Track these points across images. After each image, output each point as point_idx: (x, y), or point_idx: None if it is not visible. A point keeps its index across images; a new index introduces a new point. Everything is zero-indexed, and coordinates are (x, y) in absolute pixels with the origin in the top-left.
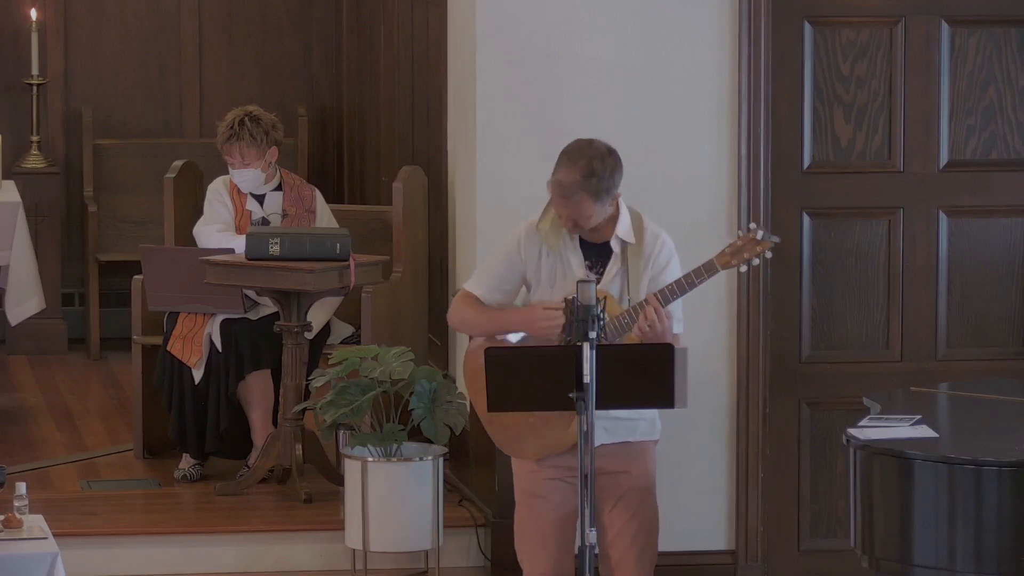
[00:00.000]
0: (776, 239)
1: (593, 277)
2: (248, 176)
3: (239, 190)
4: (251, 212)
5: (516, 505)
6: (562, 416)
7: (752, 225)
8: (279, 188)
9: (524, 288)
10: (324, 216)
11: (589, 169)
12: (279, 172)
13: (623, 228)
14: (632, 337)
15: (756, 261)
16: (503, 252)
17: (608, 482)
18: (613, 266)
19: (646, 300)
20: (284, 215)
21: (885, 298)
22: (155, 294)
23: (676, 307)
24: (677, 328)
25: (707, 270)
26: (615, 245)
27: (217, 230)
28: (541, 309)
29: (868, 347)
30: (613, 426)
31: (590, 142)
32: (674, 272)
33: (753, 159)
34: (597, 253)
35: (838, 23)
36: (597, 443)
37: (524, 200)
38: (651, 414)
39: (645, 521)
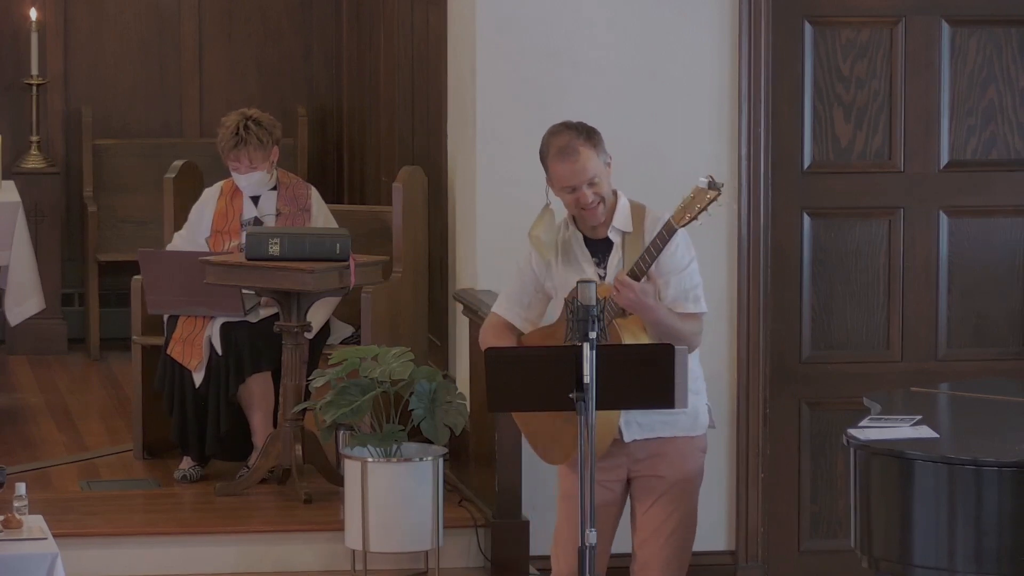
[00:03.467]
0: (721, 183)
1: (596, 278)
2: (255, 179)
3: (232, 194)
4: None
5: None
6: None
7: (700, 179)
8: (274, 188)
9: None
10: (321, 215)
11: (569, 125)
12: (276, 172)
13: (620, 218)
14: (631, 321)
15: (711, 212)
16: (516, 268)
17: (644, 483)
18: (614, 257)
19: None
20: (277, 214)
21: (885, 298)
22: (154, 298)
23: (693, 284)
24: (694, 307)
25: (668, 232)
26: (614, 236)
27: (178, 234)
28: None
29: (868, 347)
30: (648, 420)
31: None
32: (684, 255)
33: (753, 159)
34: (602, 249)
35: (838, 23)
36: (629, 439)
37: (524, 200)
38: (693, 407)
39: (679, 526)
